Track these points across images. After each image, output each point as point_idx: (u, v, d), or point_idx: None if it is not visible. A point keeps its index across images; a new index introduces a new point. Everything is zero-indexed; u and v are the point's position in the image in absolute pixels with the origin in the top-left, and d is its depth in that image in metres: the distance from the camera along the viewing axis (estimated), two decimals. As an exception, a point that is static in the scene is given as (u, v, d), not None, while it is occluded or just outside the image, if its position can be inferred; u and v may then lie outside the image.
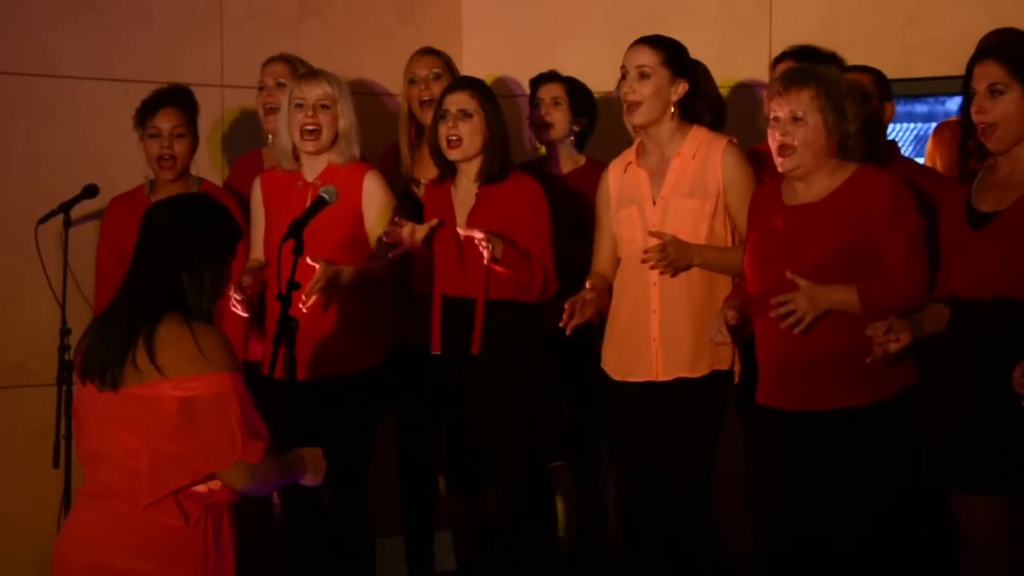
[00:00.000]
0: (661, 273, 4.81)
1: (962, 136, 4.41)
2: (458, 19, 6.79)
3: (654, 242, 4.83)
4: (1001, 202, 4.28)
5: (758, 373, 4.67)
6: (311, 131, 5.21)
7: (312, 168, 5.28)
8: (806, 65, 4.75)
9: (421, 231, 5.15)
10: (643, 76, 4.89)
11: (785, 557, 4.55)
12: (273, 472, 3.67)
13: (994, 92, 4.27)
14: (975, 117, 4.29)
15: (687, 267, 4.83)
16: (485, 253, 5.00)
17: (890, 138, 5.25)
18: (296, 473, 3.79)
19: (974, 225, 4.30)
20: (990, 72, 4.28)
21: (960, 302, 4.31)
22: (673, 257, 4.76)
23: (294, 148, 5.27)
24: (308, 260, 4.34)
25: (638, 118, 4.91)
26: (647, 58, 4.90)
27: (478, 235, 4.99)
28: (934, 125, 5.88)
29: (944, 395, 4.32)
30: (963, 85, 4.35)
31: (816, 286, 4.38)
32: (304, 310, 4.91)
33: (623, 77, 4.94)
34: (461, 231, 5.05)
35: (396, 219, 5.17)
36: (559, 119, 5.75)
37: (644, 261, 4.80)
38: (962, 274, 4.30)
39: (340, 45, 6.40)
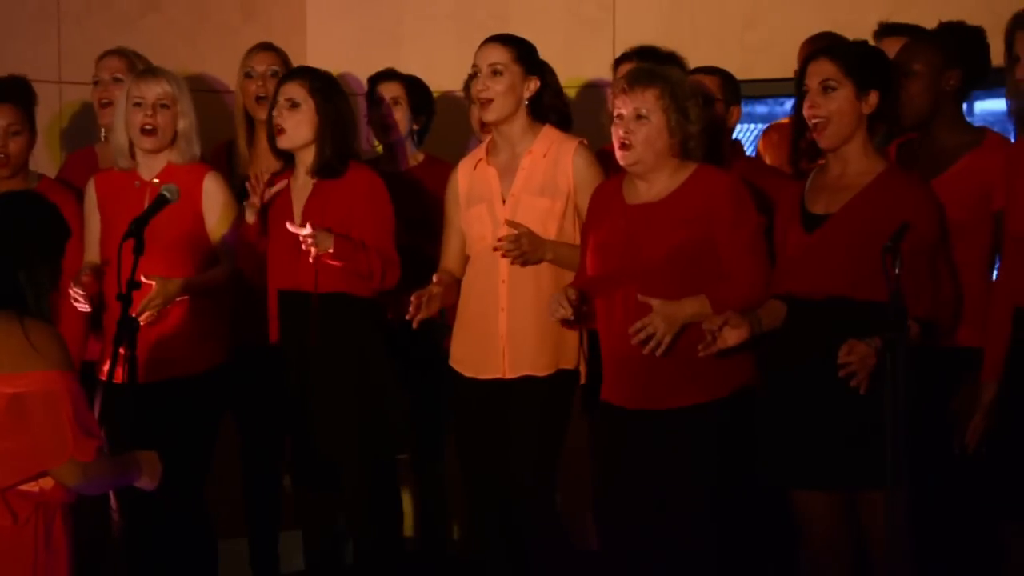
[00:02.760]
0: (512, 263, 4.82)
1: (794, 135, 4.49)
2: (302, 16, 6.75)
3: (508, 233, 4.86)
4: (832, 204, 4.36)
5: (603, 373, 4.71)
6: (150, 130, 5.15)
7: (150, 167, 5.21)
8: (652, 65, 4.80)
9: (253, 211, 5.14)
10: (495, 73, 4.91)
11: (628, 554, 4.59)
12: (106, 471, 3.62)
13: (827, 88, 4.35)
14: (807, 112, 4.37)
15: (539, 261, 4.85)
16: (312, 251, 4.97)
17: (734, 139, 5.33)
18: (131, 475, 3.75)
19: (807, 227, 4.38)
20: (823, 69, 4.36)
21: (796, 302, 4.38)
22: (526, 248, 4.78)
23: (131, 146, 5.20)
24: (142, 278, 4.32)
25: (491, 115, 4.93)
26: (499, 55, 4.92)
27: (304, 231, 4.96)
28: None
29: (781, 393, 4.38)
30: (796, 84, 4.43)
31: (669, 303, 4.40)
32: (141, 322, 4.85)
33: (474, 75, 4.95)
34: (290, 228, 5.01)
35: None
36: (399, 119, 5.73)
37: (496, 249, 4.81)
38: (798, 275, 4.37)
39: (182, 41, 6.32)
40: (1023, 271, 4.37)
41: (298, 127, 5.13)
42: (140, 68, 5.40)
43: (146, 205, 4.64)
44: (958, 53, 4.66)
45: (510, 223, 4.84)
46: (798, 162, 4.54)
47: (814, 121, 4.36)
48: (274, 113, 5.15)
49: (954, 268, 4.45)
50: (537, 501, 4.92)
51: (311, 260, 5.00)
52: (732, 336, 4.33)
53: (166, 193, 4.56)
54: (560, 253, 4.86)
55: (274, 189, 5.18)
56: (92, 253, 5.24)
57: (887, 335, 3.95)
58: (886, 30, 5.14)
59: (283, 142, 5.15)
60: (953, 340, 4.52)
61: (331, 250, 4.99)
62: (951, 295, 4.41)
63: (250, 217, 5.19)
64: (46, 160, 5.82)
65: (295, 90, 5.14)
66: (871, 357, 4.12)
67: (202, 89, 5.92)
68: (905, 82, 4.57)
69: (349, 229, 5.09)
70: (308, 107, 5.13)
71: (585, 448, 5.34)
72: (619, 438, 4.59)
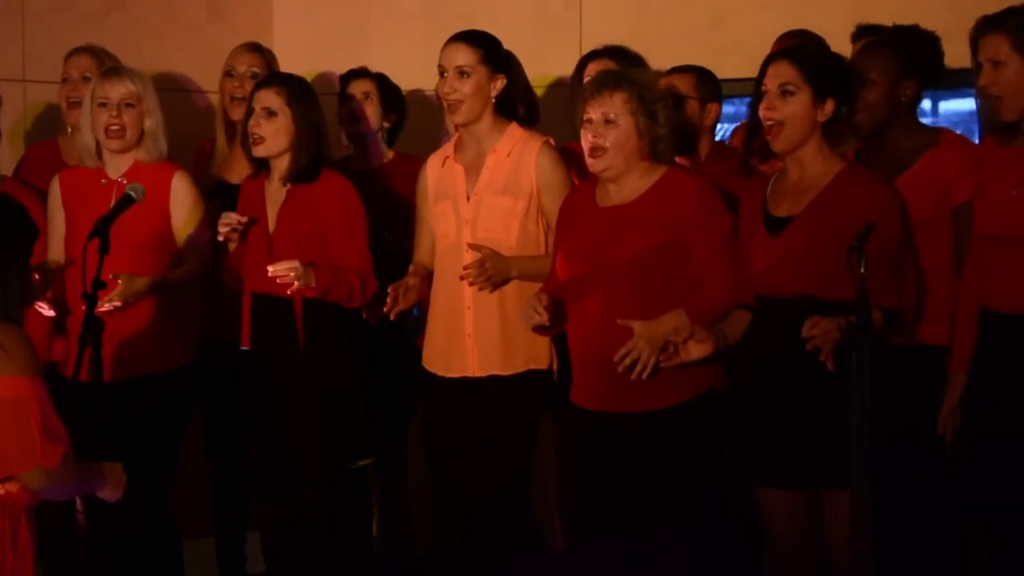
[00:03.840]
0: (480, 289, 4.82)
1: (748, 134, 4.50)
2: (268, 15, 6.73)
3: (467, 236, 4.87)
4: (795, 207, 4.38)
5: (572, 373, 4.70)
6: (116, 130, 5.13)
7: (116, 166, 5.20)
8: (620, 68, 4.80)
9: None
10: (462, 75, 4.90)
11: (596, 555, 4.59)
12: (71, 478, 3.62)
13: (785, 92, 4.37)
14: (763, 114, 4.39)
15: (505, 281, 4.84)
16: (295, 284, 4.96)
17: (718, 140, 5.33)
18: (95, 483, 3.75)
19: (771, 230, 4.39)
20: (783, 72, 4.38)
21: (764, 301, 4.40)
22: (491, 272, 4.78)
23: (98, 145, 5.18)
24: (111, 276, 4.30)
25: (460, 117, 4.93)
26: (465, 57, 4.91)
27: (283, 268, 4.95)
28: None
29: (748, 393, 4.39)
30: (755, 84, 4.44)
31: (648, 324, 4.37)
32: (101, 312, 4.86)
33: (441, 75, 4.95)
34: (271, 271, 4.99)
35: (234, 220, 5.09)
36: (369, 115, 5.74)
37: (463, 278, 4.81)
38: (764, 279, 4.38)
39: (148, 40, 6.29)
40: (989, 270, 4.39)
41: (276, 136, 5.12)
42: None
43: (112, 204, 4.62)
44: (913, 61, 4.68)
45: (472, 246, 4.84)
46: (748, 161, 4.55)
47: (768, 123, 4.38)
48: (251, 122, 5.13)
49: (919, 263, 4.48)
50: (511, 501, 4.93)
51: (289, 292, 4.99)
52: (696, 350, 4.34)
53: (132, 193, 4.54)
54: (525, 268, 4.85)
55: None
56: (56, 251, 5.22)
57: (853, 335, 3.96)
58: (863, 31, 5.12)
59: (260, 151, 5.14)
60: (919, 338, 4.54)
61: (313, 284, 4.99)
62: (915, 290, 4.44)
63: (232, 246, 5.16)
64: (10, 160, 5.79)
65: (272, 99, 5.13)
66: (835, 331, 4.13)
67: (168, 88, 5.90)
68: (861, 91, 4.59)
69: (323, 235, 5.10)
70: (285, 116, 5.12)
71: (552, 448, 5.34)
72: (589, 440, 4.59)
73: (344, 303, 5.10)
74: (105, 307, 4.89)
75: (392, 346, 5.41)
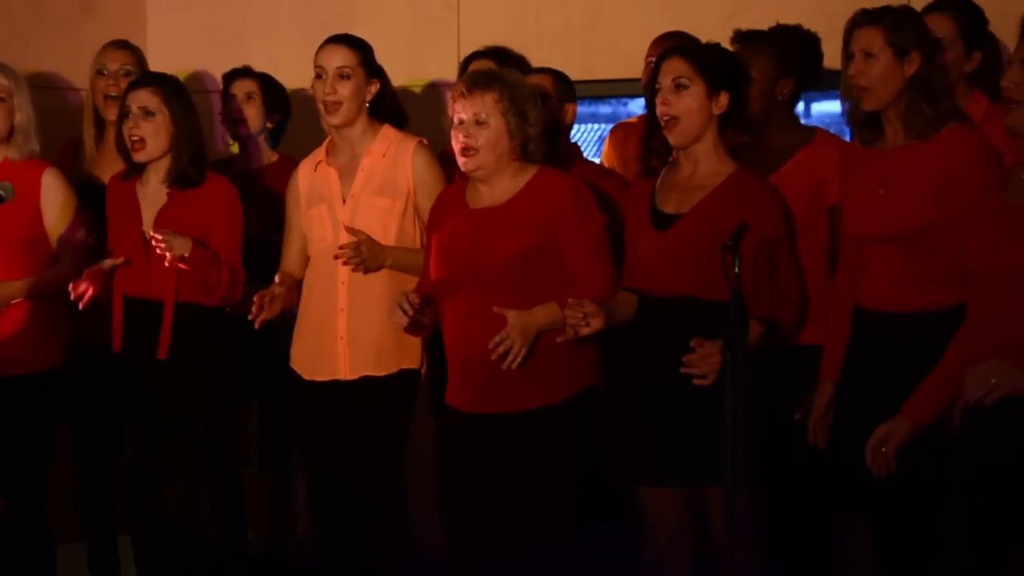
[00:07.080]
0: (353, 270, 4.81)
1: (647, 133, 4.54)
2: (143, 12, 6.66)
3: (346, 239, 4.84)
4: (683, 204, 4.41)
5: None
6: (-19, 122, 5.06)
7: (-16, 163, 5.12)
8: (490, 68, 4.81)
9: (106, 267, 5.00)
10: (343, 77, 4.90)
11: (474, 557, 4.59)
12: None
13: (679, 86, 4.41)
14: (659, 109, 4.42)
15: (379, 267, 4.84)
16: (167, 255, 4.90)
17: (573, 140, 5.36)
18: None
19: (658, 226, 4.42)
20: (675, 68, 4.41)
21: (646, 300, 4.43)
22: (366, 256, 4.77)
23: (-35, 142, 5.11)
24: None
25: (338, 118, 4.92)
26: (346, 59, 4.91)
27: (158, 236, 4.89)
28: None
29: (627, 391, 4.42)
30: (649, 82, 4.48)
31: (522, 314, 4.38)
32: None
33: (318, 76, 4.93)
34: (148, 231, 4.94)
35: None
36: (252, 115, 5.70)
37: (337, 257, 4.79)
38: (648, 273, 4.41)
39: (18, 37, 6.19)
40: (859, 270, 4.45)
41: (156, 137, 5.04)
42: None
43: (-19, 202, 4.56)
44: (792, 61, 4.76)
45: (349, 229, 4.82)
46: (649, 160, 4.58)
47: (665, 119, 4.41)
48: (128, 124, 5.04)
49: (800, 268, 4.53)
50: (382, 501, 4.92)
51: (166, 263, 4.92)
52: (585, 329, 4.32)
53: (2, 192, 4.48)
54: (400, 259, 4.85)
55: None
56: None
57: (727, 333, 4.00)
58: (741, 37, 5.16)
59: (142, 156, 5.05)
60: (795, 338, 4.59)
61: (187, 255, 4.92)
62: (796, 294, 4.49)
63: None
64: None
65: (148, 98, 5.05)
66: (716, 355, 4.18)
67: (39, 86, 5.81)
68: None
69: (203, 239, 5.03)
70: (163, 115, 5.05)
71: (434, 449, 5.34)
72: (464, 441, 4.58)
73: (207, 292, 5.01)
74: None
75: (272, 352, 5.37)
